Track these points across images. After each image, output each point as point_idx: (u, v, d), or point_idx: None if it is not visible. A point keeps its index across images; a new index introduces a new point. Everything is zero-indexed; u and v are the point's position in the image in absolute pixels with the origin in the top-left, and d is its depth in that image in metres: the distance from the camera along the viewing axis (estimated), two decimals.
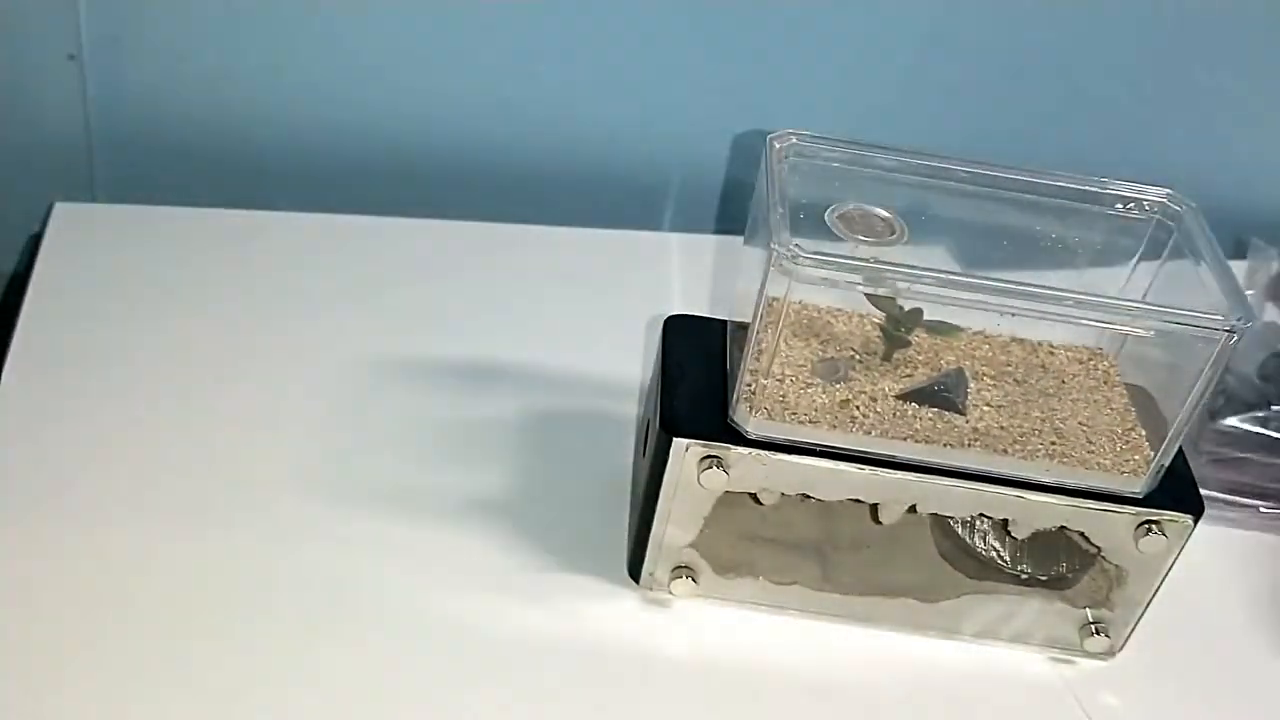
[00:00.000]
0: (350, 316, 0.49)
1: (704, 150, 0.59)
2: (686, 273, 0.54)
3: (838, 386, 0.38)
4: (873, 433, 0.37)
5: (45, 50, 0.52)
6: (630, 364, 0.48)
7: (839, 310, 0.40)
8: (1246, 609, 0.44)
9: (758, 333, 0.36)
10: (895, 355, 0.39)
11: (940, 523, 0.42)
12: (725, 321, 0.39)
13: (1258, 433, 0.48)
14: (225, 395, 0.45)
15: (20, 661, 0.35)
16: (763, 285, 0.35)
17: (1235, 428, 0.48)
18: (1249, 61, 0.62)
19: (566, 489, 0.43)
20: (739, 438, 0.37)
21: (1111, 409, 0.39)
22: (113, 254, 0.50)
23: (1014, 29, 0.58)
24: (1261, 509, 0.46)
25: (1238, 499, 0.46)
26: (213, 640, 0.37)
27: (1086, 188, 0.39)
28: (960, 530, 0.41)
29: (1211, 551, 0.45)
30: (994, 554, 0.41)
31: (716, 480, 0.37)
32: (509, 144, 0.58)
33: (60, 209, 0.51)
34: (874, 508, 0.39)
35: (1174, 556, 0.39)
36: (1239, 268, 0.59)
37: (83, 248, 0.50)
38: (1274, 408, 0.48)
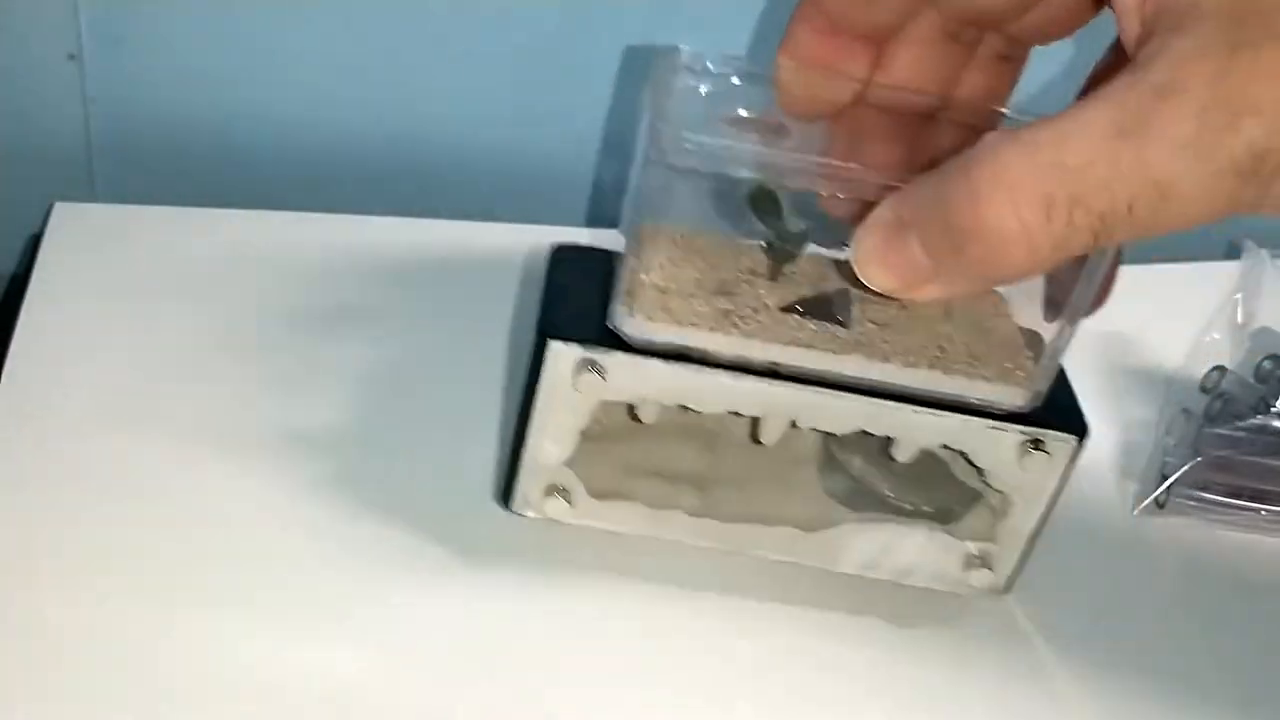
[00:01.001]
0: (349, 315, 0.49)
1: None
2: None
3: (720, 298, 0.37)
4: (749, 339, 0.37)
5: (45, 50, 0.52)
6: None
7: (727, 237, 0.40)
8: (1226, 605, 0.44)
9: (639, 234, 0.36)
10: (781, 276, 0.39)
11: (824, 452, 0.42)
12: (614, 253, 0.39)
13: (1256, 435, 0.48)
14: (226, 394, 0.45)
15: (19, 661, 0.35)
16: (642, 177, 0.35)
17: (1234, 430, 0.48)
18: None
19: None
20: (618, 342, 0.36)
21: (999, 332, 0.39)
22: (113, 254, 0.50)
23: None
24: (1263, 512, 0.47)
25: (1238, 502, 0.47)
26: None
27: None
28: (843, 459, 0.41)
29: (1212, 554, 0.46)
30: (876, 484, 0.41)
31: (593, 385, 0.36)
32: (523, 146, 0.58)
33: (60, 209, 0.51)
34: (755, 428, 0.39)
35: (1058, 481, 0.38)
36: (1232, 270, 0.59)
37: (83, 248, 0.50)
38: (1272, 409, 0.48)
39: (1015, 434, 0.37)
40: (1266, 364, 0.50)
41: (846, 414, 0.37)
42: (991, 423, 0.37)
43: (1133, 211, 0.27)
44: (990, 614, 0.42)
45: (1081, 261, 0.35)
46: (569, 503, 0.39)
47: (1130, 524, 0.47)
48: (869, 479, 0.41)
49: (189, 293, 0.49)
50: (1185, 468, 0.46)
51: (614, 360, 0.37)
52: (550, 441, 0.38)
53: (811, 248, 0.39)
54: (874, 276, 0.32)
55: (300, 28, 0.54)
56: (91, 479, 0.41)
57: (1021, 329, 0.39)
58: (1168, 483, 0.46)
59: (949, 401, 0.37)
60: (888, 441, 0.38)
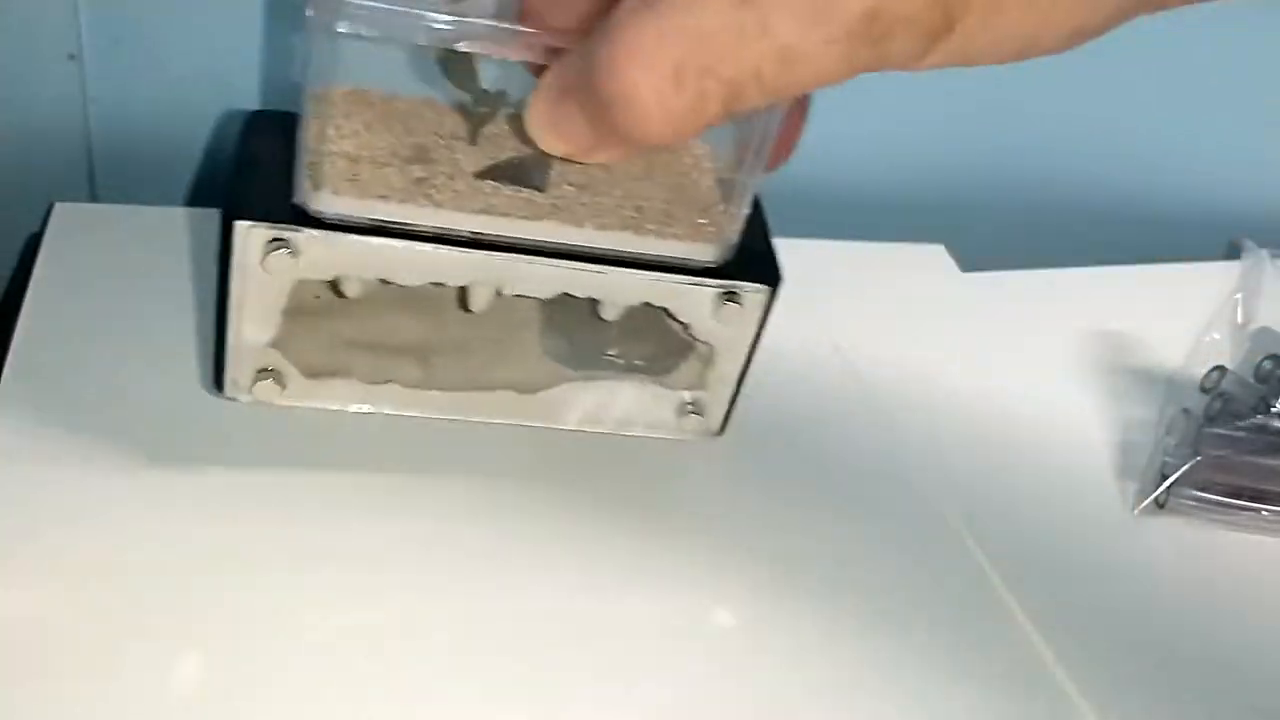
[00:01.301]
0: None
1: None
2: None
3: (414, 166, 0.37)
4: (445, 208, 0.36)
5: (45, 50, 0.52)
6: None
7: (426, 99, 0.39)
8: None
9: (324, 100, 0.35)
10: (480, 138, 0.38)
11: (543, 314, 0.42)
12: None
13: (1256, 435, 0.48)
14: None
15: (17, 658, 0.35)
16: (308, 42, 0.34)
17: (1234, 430, 0.48)
18: (1244, 61, 0.62)
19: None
20: (307, 219, 0.36)
21: (697, 190, 0.39)
22: (113, 254, 0.50)
23: None
24: (1263, 512, 0.47)
25: (1238, 502, 0.47)
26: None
27: None
28: (559, 320, 0.42)
29: (1212, 554, 0.46)
30: (592, 342, 0.42)
31: (284, 265, 0.36)
32: None
33: (60, 209, 0.51)
34: (463, 297, 0.39)
35: (755, 329, 0.40)
36: (1232, 269, 0.59)
37: (83, 248, 0.50)
38: (1272, 409, 0.48)
39: (709, 289, 0.38)
40: (1266, 364, 0.50)
41: (548, 279, 0.38)
42: (685, 279, 0.38)
43: (760, 77, 0.28)
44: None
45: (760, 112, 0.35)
46: (280, 385, 0.38)
47: (1130, 524, 0.47)
48: (584, 337, 0.42)
49: (189, 293, 0.49)
50: (1185, 468, 0.46)
51: (304, 238, 0.35)
52: (251, 324, 0.37)
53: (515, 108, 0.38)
54: (547, 143, 0.32)
55: (301, 28, 0.53)
56: (91, 479, 0.41)
57: (721, 182, 0.40)
58: (1168, 483, 0.47)
59: (645, 261, 0.38)
60: (596, 301, 0.39)
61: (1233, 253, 0.61)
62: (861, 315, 0.54)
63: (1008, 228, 0.65)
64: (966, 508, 0.46)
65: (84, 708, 0.34)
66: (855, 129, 0.61)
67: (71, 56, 0.52)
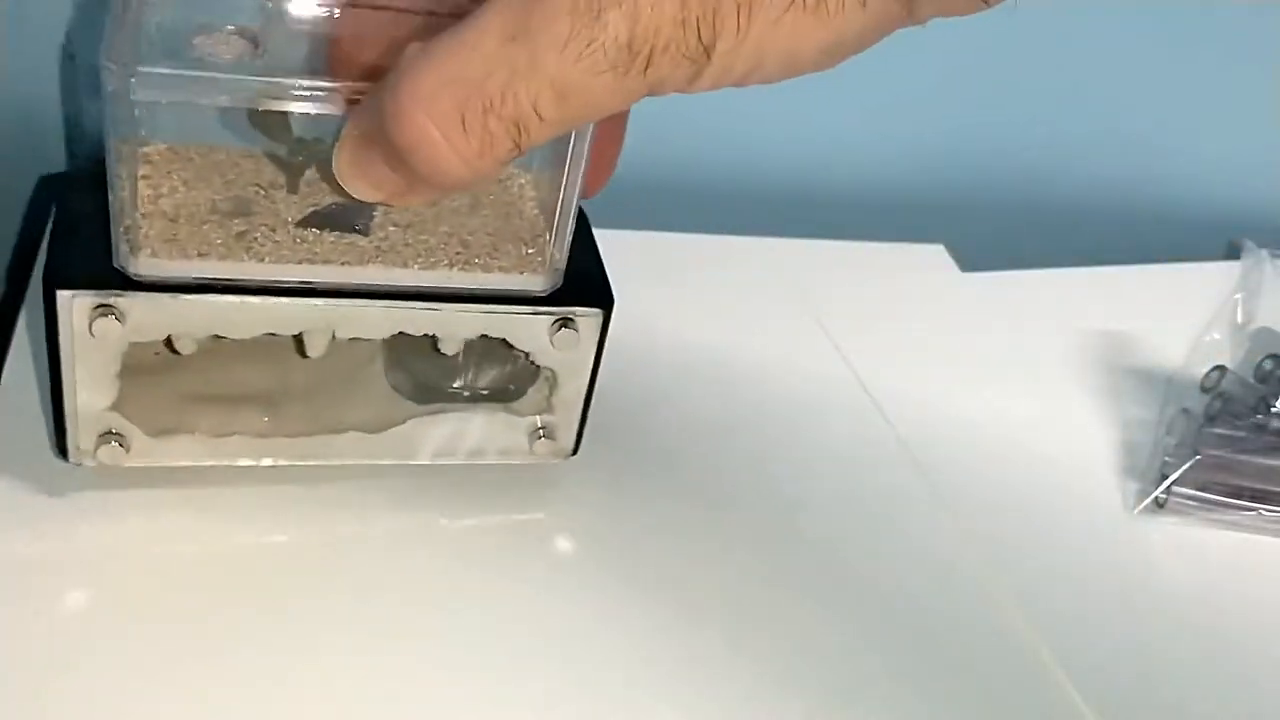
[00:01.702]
0: None
1: None
2: None
3: (235, 221, 0.36)
4: (268, 260, 0.36)
5: (45, 50, 0.52)
6: None
7: (243, 150, 0.39)
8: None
9: (126, 167, 0.34)
10: (301, 184, 0.38)
11: (385, 352, 0.42)
12: None
13: (1256, 435, 0.48)
14: None
15: (15, 658, 0.35)
16: (109, 109, 0.33)
17: (1234, 430, 0.48)
18: (1243, 62, 0.62)
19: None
20: (129, 282, 0.35)
21: (521, 219, 0.39)
22: None
23: (1005, 24, 0.59)
24: (1263, 512, 0.47)
25: (1238, 502, 0.47)
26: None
27: None
28: (401, 357, 0.42)
29: (1212, 554, 0.46)
30: (436, 376, 0.42)
31: (110, 330, 0.35)
32: None
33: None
34: (300, 345, 0.39)
35: (593, 352, 0.40)
36: (1232, 269, 0.59)
37: None
38: (1272, 409, 0.48)
39: (542, 317, 0.39)
40: (1266, 364, 0.50)
41: (381, 320, 0.38)
42: (517, 309, 0.38)
43: (540, 112, 0.28)
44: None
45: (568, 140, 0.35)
46: (124, 447, 0.38)
47: (1130, 523, 0.47)
48: (428, 371, 0.42)
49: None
50: (1185, 467, 0.46)
51: (128, 302, 0.35)
52: (86, 390, 0.37)
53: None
54: (360, 191, 0.33)
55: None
56: (91, 479, 0.41)
57: (546, 210, 0.39)
58: (1167, 482, 0.47)
59: (476, 295, 0.38)
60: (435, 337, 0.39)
61: (1233, 253, 0.61)
62: (861, 315, 0.54)
63: (1008, 228, 0.65)
64: (966, 507, 0.46)
65: None
66: (856, 130, 0.61)
67: (72, 57, 0.52)
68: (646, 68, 0.28)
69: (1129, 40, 0.59)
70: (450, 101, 0.28)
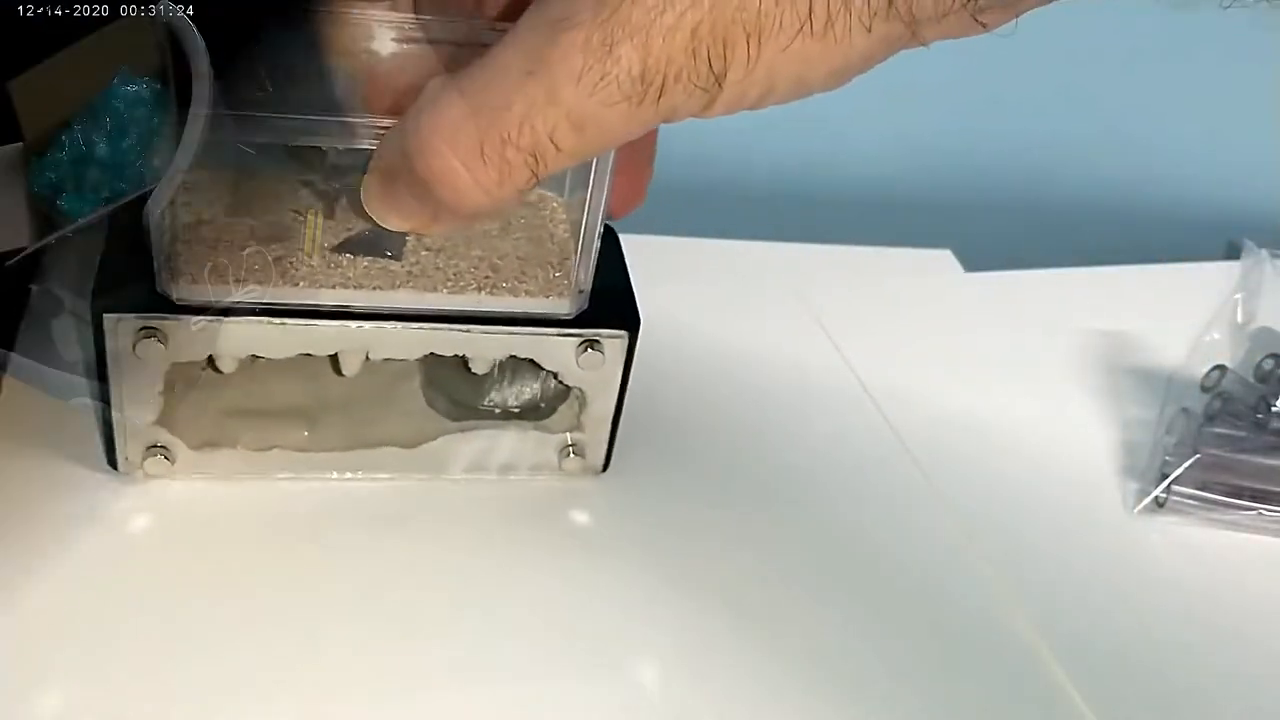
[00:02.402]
0: None
1: None
2: None
3: (273, 246, 0.37)
4: (303, 285, 0.37)
5: None
6: None
7: (281, 178, 0.39)
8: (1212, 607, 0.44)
9: (168, 195, 0.35)
10: (337, 210, 0.39)
11: (420, 369, 0.43)
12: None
13: (1256, 435, 0.48)
14: None
15: (15, 656, 0.35)
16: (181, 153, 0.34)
17: (1234, 429, 0.48)
18: (1243, 62, 0.62)
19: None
20: (171, 306, 0.37)
21: (552, 244, 0.40)
22: None
23: (1006, 28, 0.59)
24: (1263, 512, 0.47)
25: (1238, 502, 0.47)
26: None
27: None
28: (436, 375, 0.43)
29: (1212, 554, 0.46)
30: (470, 394, 0.43)
31: (154, 351, 0.37)
32: None
33: None
34: (336, 363, 0.40)
35: (620, 372, 0.41)
36: (1232, 269, 0.59)
37: None
38: (1272, 409, 0.48)
39: (569, 338, 0.40)
40: (1266, 363, 0.50)
41: (412, 342, 0.39)
42: (545, 330, 0.39)
43: (557, 143, 0.29)
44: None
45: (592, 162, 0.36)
46: (169, 460, 0.40)
47: (1130, 523, 0.47)
48: (461, 389, 0.43)
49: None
50: (1185, 467, 0.47)
51: (170, 325, 0.37)
52: (133, 406, 0.38)
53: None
54: (389, 221, 0.34)
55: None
56: (91, 480, 0.41)
57: (574, 223, 0.40)
58: (1167, 482, 0.47)
59: (504, 317, 0.39)
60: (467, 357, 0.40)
61: (1233, 253, 0.61)
62: (863, 316, 0.55)
63: (1010, 228, 0.65)
64: (966, 506, 0.46)
65: None
66: (857, 132, 0.61)
67: None
68: (660, 97, 0.28)
69: (1129, 42, 0.59)
70: (470, 134, 0.29)
